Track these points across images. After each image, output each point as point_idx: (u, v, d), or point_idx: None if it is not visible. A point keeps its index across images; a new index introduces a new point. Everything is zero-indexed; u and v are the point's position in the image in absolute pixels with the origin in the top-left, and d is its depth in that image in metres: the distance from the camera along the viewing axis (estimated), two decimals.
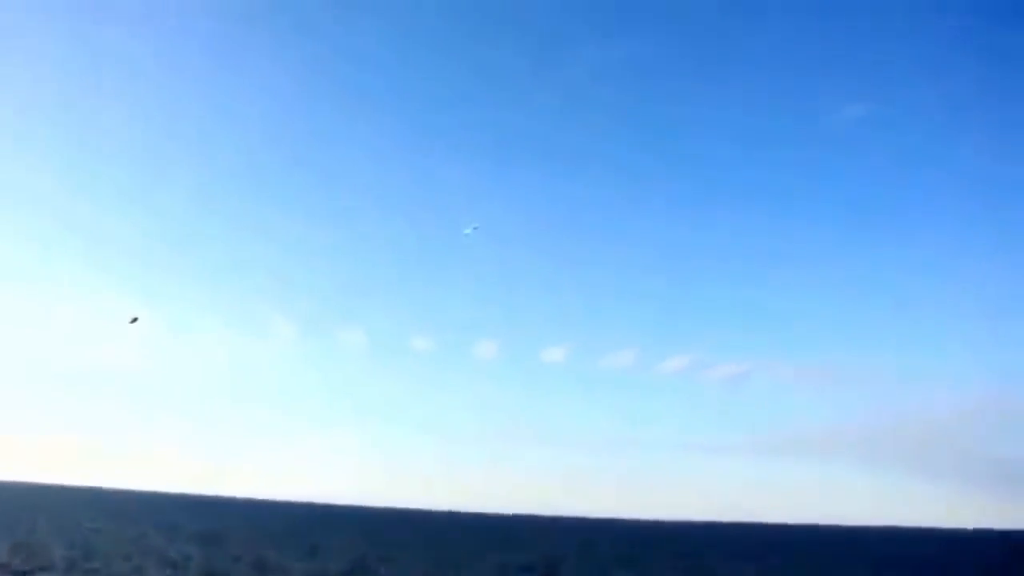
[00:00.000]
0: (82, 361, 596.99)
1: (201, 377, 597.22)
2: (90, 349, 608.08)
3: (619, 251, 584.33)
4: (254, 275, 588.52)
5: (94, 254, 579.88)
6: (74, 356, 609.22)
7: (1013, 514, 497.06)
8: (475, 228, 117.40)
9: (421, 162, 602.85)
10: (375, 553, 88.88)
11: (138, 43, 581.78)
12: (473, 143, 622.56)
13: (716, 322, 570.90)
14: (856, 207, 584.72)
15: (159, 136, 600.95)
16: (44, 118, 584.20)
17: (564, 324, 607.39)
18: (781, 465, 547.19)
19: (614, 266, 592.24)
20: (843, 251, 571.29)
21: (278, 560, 72.72)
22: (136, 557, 66.87)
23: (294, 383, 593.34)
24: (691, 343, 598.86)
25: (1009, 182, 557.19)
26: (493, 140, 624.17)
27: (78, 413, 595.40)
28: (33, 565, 55.66)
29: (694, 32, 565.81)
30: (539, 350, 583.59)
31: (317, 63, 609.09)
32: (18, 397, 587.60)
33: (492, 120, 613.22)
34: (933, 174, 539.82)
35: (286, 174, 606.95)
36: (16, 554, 61.97)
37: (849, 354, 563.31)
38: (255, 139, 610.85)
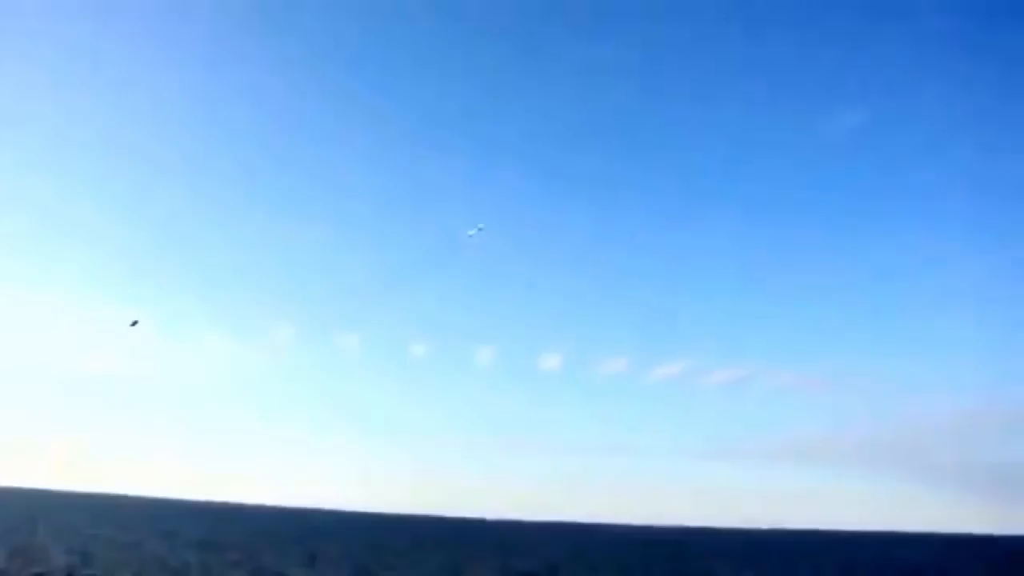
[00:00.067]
0: (79, 367, 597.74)
1: (199, 383, 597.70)
2: (87, 355, 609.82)
3: (616, 257, 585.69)
4: (252, 281, 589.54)
5: (91, 260, 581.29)
6: (71, 362, 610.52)
7: (1012, 519, 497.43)
8: (480, 229, 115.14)
9: (417, 167, 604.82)
10: (375, 560, 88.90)
11: (135, 46, 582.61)
12: (470, 149, 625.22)
13: (714, 328, 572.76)
14: (853, 212, 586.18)
15: (154, 141, 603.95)
16: (36, 123, 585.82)
17: (561, 330, 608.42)
18: (779, 470, 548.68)
19: (611, 272, 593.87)
20: (840, 256, 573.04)
21: (277, 567, 72.77)
22: (135, 563, 66.93)
23: (292, 389, 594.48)
24: (688, 349, 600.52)
25: (1008, 186, 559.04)
26: (489, 146, 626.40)
27: (75, 419, 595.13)
28: (32, 571, 55.74)
29: (691, 37, 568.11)
30: (536, 356, 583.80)
31: (312, 66, 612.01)
32: (16, 403, 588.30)
33: (488, 126, 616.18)
34: (929, 179, 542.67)
35: (282, 179, 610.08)
36: (14, 560, 62.02)
37: (847, 359, 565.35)
38: (251, 144, 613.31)
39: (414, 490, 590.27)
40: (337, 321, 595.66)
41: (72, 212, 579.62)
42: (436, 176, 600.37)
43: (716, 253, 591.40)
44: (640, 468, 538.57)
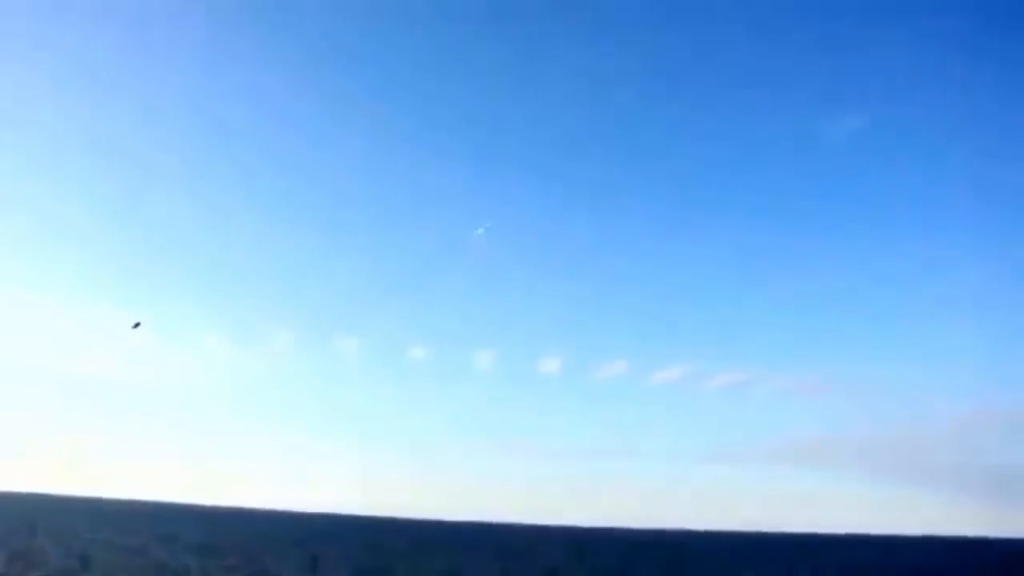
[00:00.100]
0: (79, 370, 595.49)
1: (198, 386, 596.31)
2: (87, 358, 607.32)
3: (616, 261, 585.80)
4: (252, 285, 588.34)
5: (90, 263, 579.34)
6: (71, 365, 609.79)
7: (1011, 522, 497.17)
8: (487, 227, 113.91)
9: (417, 171, 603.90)
10: (375, 563, 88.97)
11: (136, 49, 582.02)
12: (470, 153, 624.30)
13: (714, 332, 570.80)
14: (853, 217, 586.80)
15: (151, 142, 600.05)
16: (34, 125, 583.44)
17: (561, 334, 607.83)
18: (778, 474, 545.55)
19: (611, 276, 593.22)
20: (840, 261, 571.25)
21: (277, 571, 72.85)
22: (135, 567, 67.01)
23: (291, 392, 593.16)
24: (689, 353, 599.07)
25: (1008, 191, 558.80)
26: (490, 150, 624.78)
27: (75, 422, 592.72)
28: (31, 575, 55.81)
29: (692, 44, 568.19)
30: (536, 360, 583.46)
31: (312, 69, 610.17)
32: (16, 406, 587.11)
33: (488, 130, 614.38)
34: (929, 184, 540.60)
35: (281, 182, 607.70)
36: (14, 564, 62.06)
37: (845, 363, 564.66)
38: (251, 147, 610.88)
39: (414, 493, 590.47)
40: (336, 325, 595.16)
41: (70, 214, 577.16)
42: (436, 180, 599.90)
43: (716, 258, 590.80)
44: (640, 471, 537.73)
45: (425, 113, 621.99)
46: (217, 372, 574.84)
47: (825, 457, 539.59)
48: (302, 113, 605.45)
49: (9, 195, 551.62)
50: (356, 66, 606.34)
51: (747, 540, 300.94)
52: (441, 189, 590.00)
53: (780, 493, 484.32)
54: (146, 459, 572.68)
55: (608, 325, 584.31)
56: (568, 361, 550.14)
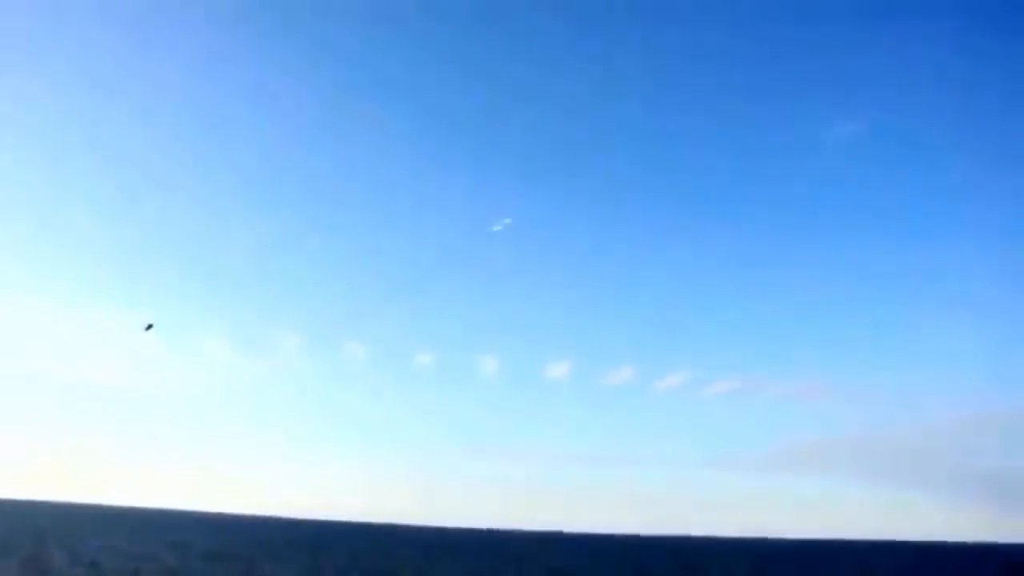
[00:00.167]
0: (83, 377, 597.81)
1: (205, 392, 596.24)
2: (94, 365, 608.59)
3: (619, 267, 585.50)
4: (258, 291, 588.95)
5: (94, 268, 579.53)
6: (75, 372, 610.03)
7: (1010, 527, 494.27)
8: (506, 224, 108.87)
9: (422, 175, 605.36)
10: (381, 570, 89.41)
11: (134, 47, 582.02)
12: (477, 158, 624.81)
13: (716, 338, 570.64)
14: (852, 222, 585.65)
15: (151, 143, 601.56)
16: (36, 126, 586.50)
17: (567, 340, 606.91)
18: (779, 479, 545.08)
19: (613, 282, 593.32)
20: (840, 266, 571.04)
21: None
22: (144, 574, 67.64)
23: (298, 399, 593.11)
24: (691, 359, 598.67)
25: (1008, 195, 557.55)
26: (495, 155, 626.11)
27: (83, 430, 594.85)
28: None
29: (693, 49, 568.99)
30: (542, 366, 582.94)
31: (316, 71, 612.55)
32: (23, 414, 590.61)
33: (494, 135, 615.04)
34: (929, 188, 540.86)
35: (288, 187, 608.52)
36: (26, 571, 62.82)
37: (846, 369, 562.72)
38: (256, 151, 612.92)
39: (420, 500, 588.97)
40: (342, 331, 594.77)
41: (74, 218, 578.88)
42: (442, 184, 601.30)
43: (717, 264, 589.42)
44: (644, 477, 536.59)
45: (427, 117, 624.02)
46: (222, 378, 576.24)
47: (826, 462, 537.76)
48: (303, 116, 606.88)
49: (10, 197, 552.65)
50: (359, 68, 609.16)
51: (749, 546, 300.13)
52: (447, 193, 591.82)
53: (782, 498, 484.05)
54: (153, 465, 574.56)
55: (614, 331, 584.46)
56: (574, 367, 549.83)
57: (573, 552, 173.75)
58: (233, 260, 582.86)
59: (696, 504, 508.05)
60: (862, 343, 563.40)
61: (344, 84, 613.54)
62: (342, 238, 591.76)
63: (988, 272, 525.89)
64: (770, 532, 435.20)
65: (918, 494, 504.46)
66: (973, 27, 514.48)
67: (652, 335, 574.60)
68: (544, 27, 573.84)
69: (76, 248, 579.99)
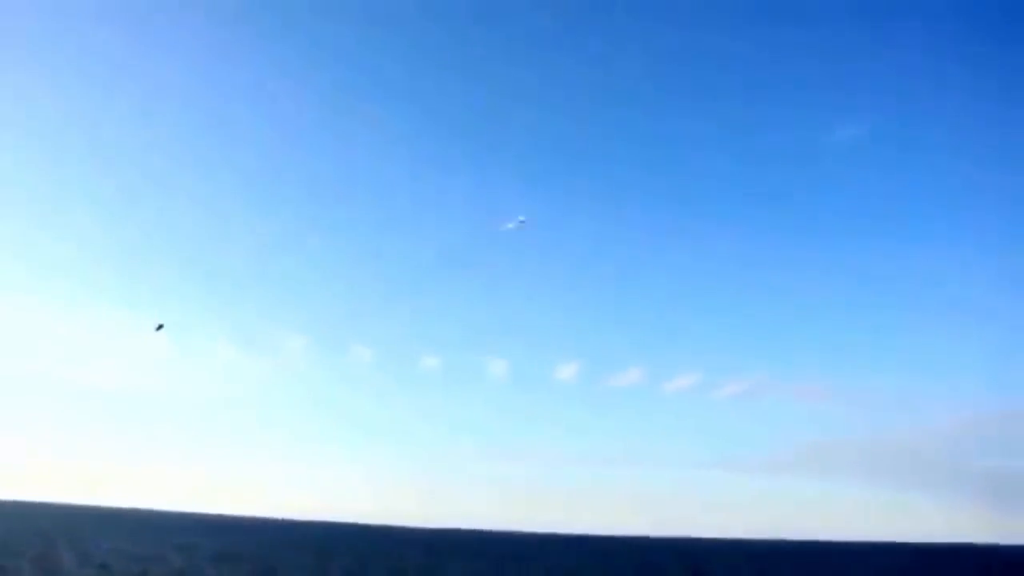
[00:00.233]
0: (90, 380, 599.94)
1: (212, 395, 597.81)
2: (102, 368, 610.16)
3: (621, 269, 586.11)
4: (265, 294, 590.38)
5: (99, 271, 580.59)
6: (82, 375, 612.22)
7: (1009, 528, 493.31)
8: (520, 222, 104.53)
9: (428, 177, 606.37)
10: (389, 572, 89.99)
11: (134, 47, 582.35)
12: (482, 160, 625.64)
13: (723, 341, 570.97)
14: (855, 225, 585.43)
15: (157, 145, 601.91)
16: (38, 126, 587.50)
17: (575, 342, 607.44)
18: (784, 481, 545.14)
19: (621, 284, 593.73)
20: (840, 269, 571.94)
21: None
22: (152, 575, 68.38)
23: (305, 401, 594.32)
24: (699, 361, 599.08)
25: (1008, 197, 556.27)
26: (501, 157, 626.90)
27: (91, 432, 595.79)
28: None
29: (694, 51, 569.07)
30: (550, 368, 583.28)
31: (319, 72, 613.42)
32: (29, 417, 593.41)
33: (499, 136, 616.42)
34: (930, 192, 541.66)
35: (295, 189, 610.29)
36: (35, 573, 63.62)
37: (846, 371, 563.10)
38: (261, 153, 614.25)
39: (427, 502, 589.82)
40: (349, 333, 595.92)
41: (74, 218, 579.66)
42: (443, 185, 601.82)
43: (722, 267, 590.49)
44: (652, 478, 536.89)
45: (432, 118, 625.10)
46: (229, 380, 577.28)
47: (830, 463, 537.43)
48: (303, 116, 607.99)
49: (10, 197, 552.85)
50: (358, 70, 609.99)
51: (756, 546, 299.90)
52: (453, 195, 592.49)
53: (786, 500, 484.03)
54: (160, 468, 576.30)
55: (622, 334, 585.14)
56: (582, 369, 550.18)
57: (579, 553, 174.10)
58: (234, 261, 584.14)
59: (703, 505, 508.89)
60: (863, 346, 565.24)
61: (344, 84, 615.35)
62: (343, 239, 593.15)
63: (988, 275, 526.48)
64: (774, 533, 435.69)
65: (919, 495, 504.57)
66: (973, 31, 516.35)
67: (659, 337, 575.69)
68: (544, 28, 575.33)
69: (77, 248, 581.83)
